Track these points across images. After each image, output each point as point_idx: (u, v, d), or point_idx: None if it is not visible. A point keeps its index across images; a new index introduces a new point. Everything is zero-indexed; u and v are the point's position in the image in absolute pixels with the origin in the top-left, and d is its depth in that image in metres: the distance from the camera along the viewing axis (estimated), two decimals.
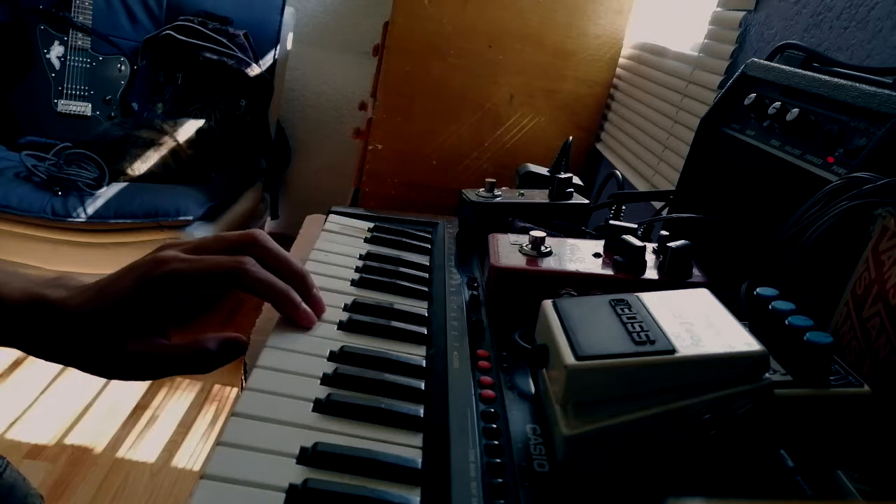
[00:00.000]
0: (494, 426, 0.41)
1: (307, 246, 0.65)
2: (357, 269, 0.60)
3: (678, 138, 1.29)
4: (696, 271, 0.57)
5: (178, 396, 1.83)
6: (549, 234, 0.59)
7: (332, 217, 0.73)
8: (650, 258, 0.57)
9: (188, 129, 2.02)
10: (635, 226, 0.63)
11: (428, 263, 0.65)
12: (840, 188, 0.51)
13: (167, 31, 2.15)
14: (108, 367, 0.44)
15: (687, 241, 0.56)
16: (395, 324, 0.52)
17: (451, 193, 0.89)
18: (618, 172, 0.97)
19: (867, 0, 0.82)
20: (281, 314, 0.48)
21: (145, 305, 0.43)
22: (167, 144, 1.97)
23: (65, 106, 2.12)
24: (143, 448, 1.63)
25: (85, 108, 2.14)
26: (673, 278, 0.55)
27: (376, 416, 0.41)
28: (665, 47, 1.49)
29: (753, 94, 0.72)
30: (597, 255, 0.58)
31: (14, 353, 1.86)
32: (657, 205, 1.00)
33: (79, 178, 1.81)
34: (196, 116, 2.15)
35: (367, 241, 0.68)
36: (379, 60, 1.79)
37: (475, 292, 0.59)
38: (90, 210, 1.79)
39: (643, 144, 1.46)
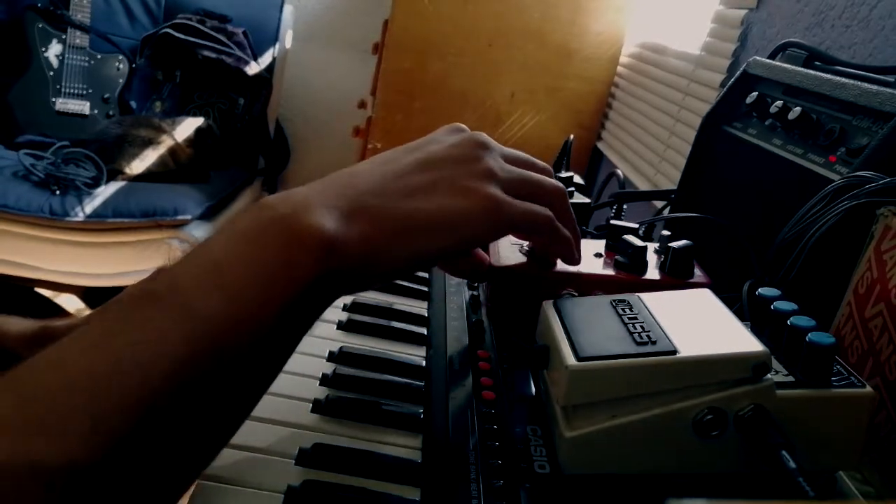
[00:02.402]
0: (494, 427, 0.41)
1: None
2: None
3: (680, 137, 1.29)
4: (697, 271, 0.56)
5: None
6: None
7: None
8: (652, 258, 0.57)
9: (186, 127, 2.01)
10: (637, 225, 0.63)
11: None
12: (842, 187, 0.51)
13: (166, 30, 2.15)
14: None
15: (689, 241, 0.56)
16: (394, 324, 0.52)
17: None
18: (619, 171, 0.97)
19: None
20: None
21: None
22: (165, 143, 1.96)
23: (63, 104, 2.11)
24: None
25: (83, 107, 2.13)
26: (674, 278, 0.55)
27: (376, 416, 0.41)
28: (667, 46, 1.48)
29: (755, 93, 0.72)
30: (598, 254, 0.58)
31: None
32: (659, 204, 1.00)
33: (77, 177, 1.80)
34: (194, 115, 2.14)
35: None
36: (379, 58, 1.79)
37: (475, 292, 0.59)
38: (88, 209, 1.78)
39: (645, 143, 1.46)
